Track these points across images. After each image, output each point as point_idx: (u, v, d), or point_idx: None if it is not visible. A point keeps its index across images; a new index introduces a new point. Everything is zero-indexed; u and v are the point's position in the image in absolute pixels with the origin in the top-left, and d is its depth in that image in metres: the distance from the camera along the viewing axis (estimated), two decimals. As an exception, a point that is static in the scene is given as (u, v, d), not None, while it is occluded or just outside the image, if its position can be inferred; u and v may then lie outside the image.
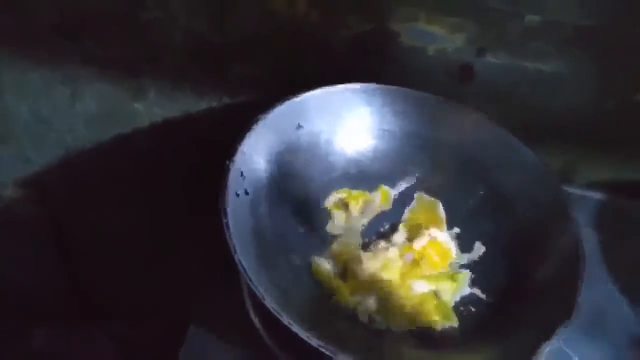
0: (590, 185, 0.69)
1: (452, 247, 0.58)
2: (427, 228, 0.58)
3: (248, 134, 0.55)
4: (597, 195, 0.68)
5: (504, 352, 0.47)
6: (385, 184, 0.62)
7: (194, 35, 0.63)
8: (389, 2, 0.58)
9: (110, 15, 0.62)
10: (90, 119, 0.71)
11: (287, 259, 0.54)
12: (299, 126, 0.59)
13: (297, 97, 0.58)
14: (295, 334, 0.43)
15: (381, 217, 0.60)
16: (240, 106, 0.68)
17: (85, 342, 0.91)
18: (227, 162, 0.52)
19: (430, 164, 0.62)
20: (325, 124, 0.61)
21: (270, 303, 0.44)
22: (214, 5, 0.60)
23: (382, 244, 0.56)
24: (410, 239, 0.57)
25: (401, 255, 0.55)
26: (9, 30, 0.65)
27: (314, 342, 0.42)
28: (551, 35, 0.58)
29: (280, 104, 0.58)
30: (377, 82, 0.61)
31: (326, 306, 0.52)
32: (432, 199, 0.61)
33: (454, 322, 0.52)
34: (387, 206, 0.61)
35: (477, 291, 0.55)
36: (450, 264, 0.57)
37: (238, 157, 0.53)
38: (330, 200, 0.59)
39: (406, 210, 0.61)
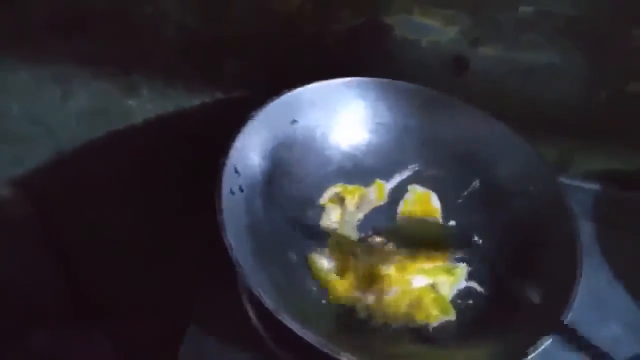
0: (585, 176, 0.69)
1: (449, 239, 0.58)
2: (422, 220, 0.58)
3: (242, 130, 0.54)
4: (592, 185, 0.68)
5: (502, 346, 0.47)
6: (380, 178, 0.62)
7: (185, 31, 0.62)
8: (381, -6, 0.58)
9: (101, 11, 0.62)
10: (83, 116, 0.71)
11: (284, 255, 0.54)
12: (294, 121, 0.59)
13: (291, 92, 0.58)
14: (294, 332, 0.43)
15: (377, 211, 0.60)
16: (233, 102, 0.67)
17: (84, 343, 0.91)
18: (222, 158, 0.52)
19: (425, 157, 0.62)
20: (319, 118, 0.60)
21: (268, 301, 0.44)
22: (206, 0, 0.60)
23: (378, 238, 0.56)
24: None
25: (398, 250, 0.55)
26: (-2, 28, 0.64)
27: (312, 340, 0.42)
28: (544, 26, 0.58)
29: (274, 99, 0.57)
30: (371, 76, 0.61)
31: (324, 303, 0.52)
32: (426, 190, 0.61)
33: (452, 316, 0.53)
34: (383, 200, 0.61)
35: (474, 284, 0.55)
36: (447, 258, 0.57)
37: (232, 154, 0.53)
38: (326, 196, 0.59)
39: (401, 203, 0.61)
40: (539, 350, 0.44)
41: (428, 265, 0.55)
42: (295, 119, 0.59)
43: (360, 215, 0.59)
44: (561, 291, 0.48)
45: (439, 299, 0.53)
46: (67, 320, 0.93)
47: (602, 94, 0.63)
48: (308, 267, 0.54)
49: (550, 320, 0.46)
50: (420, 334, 0.51)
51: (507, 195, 0.59)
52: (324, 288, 0.53)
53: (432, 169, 0.62)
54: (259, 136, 0.56)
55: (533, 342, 0.45)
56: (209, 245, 0.51)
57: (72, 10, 0.62)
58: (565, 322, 0.46)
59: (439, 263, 0.56)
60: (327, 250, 0.56)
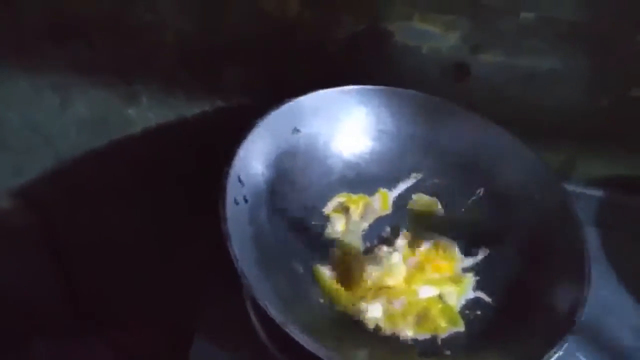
0: (588, 182, 0.69)
1: (455, 249, 0.57)
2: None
3: (245, 139, 0.54)
4: (595, 192, 0.68)
5: (512, 357, 0.47)
6: (384, 186, 0.61)
7: (184, 38, 0.62)
8: (382, 0, 0.58)
9: (99, 19, 0.61)
10: (82, 125, 0.70)
11: (289, 266, 0.54)
12: (296, 130, 0.59)
13: (292, 100, 0.58)
14: (301, 345, 0.42)
15: (381, 220, 0.60)
16: (234, 110, 0.67)
17: (85, 352, 0.91)
18: (225, 168, 0.51)
19: (428, 165, 0.62)
20: (322, 127, 0.60)
21: (275, 313, 0.43)
22: (204, 7, 0.60)
23: (385, 249, 0.56)
24: (413, 242, 0.57)
25: (405, 260, 0.55)
26: (-3, 37, 0.63)
27: (321, 353, 0.42)
28: (546, 32, 0.58)
29: (276, 108, 0.57)
30: (373, 83, 0.61)
31: (331, 314, 0.52)
32: (431, 199, 0.61)
33: (461, 327, 0.52)
34: (387, 210, 0.60)
35: (482, 295, 0.55)
36: (455, 268, 0.57)
37: (236, 163, 0.52)
38: (330, 205, 0.59)
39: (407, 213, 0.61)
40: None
41: (435, 275, 0.55)
42: (298, 127, 0.59)
43: (365, 225, 0.59)
44: (570, 300, 0.48)
45: (447, 310, 0.53)
46: (69, 329, 0.92)
47: (604, 100, 0.63)
48: (313, 278, 0.54)
49: (559, 331, 0.45)
50: (428, 345, 0.51)
51: (511, 203, 0.59)
52: (329, 299, 0.53)
53: (435, 177, 0.62)
54: (262, 145, 0.56)
55: (543, 353, 0.44)
56: (211, 253, 0.51)
57: (69, 18, 0.62)
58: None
59: (446, 273, 0.56)
60: (332, 260, 0.56)
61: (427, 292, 0.54)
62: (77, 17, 0.62)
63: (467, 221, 0.60)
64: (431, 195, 0.62)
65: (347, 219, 0.58)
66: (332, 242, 0.57)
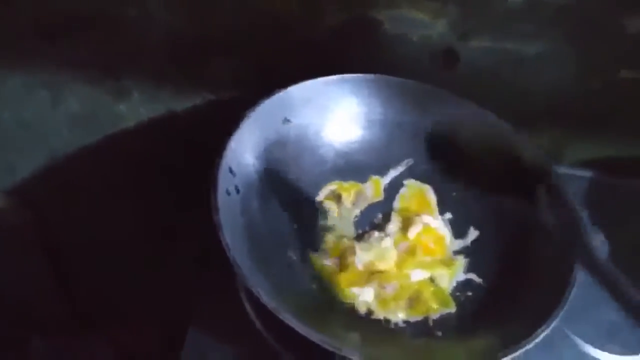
0: (579, 164, 0.69)
1: (446, 232, 0.58)
2: (419, 215, 0.58)
3: (236, 130, 0.54)
4: (585, 173, 0.68)
5: (501, 336, 0.47)
6: (376, 174, 0.62)
7: (172, 32, 0.62)
8: (370, -12, 0.58)
9: (86, 15, 0.61)
10: (74, 122, 0.70)
11: (282, 254, 0.54)
12: (287, 120, 0.59)
13: (282, 91, 0.58)
14: (295, 330, 0.43)
15: (373, 207, 0.60)
16: (225, 103, 0.67)
17: (83, 349, 0.91)
18: (216, 159, 0.52)
19: (419, 151, 0.62)
20: (312, 116, 0.60)
21: (267, 300, 0.44)
22: (191, 0, 0.59)
23: (376, 234, 0.56)
24: (404, 227, 0.57)
25: (396, 245, 0.55)
26: (-16, 35, 0.63)
27: (314, 337, 0.42)
28: (534, 16, 0.58)
29: (266, 99, 0.57)
30: (362, 71, 0.61)
31: (324, 300, 0.52)
32: (422, 184, 0.61)
33: (452, 308, 0.53)
34: (379, 196, 0.61)
35: (473, 276, 0.55)
36: (446, 251, 0.57)
37: (227, 154, 0.52)
38: (322, 194, 0.59)
39: (397, 198, 0.61)
40: (538, 340, 0.45)
41: (426, 258, 0.55)
42: (288, 117, 0.59)
43: (357, 212, 0.59)
44: (560, 280, 0.48)
45: (438, 292, 0.53)
46: (66, 327, 0.92)
47: (594, 82, 0.63)
48: (306, 265, 0.54)
49: (548, 310, 0.46)
50: (420, 327, 0.51)
51: (502, 186, 0.59)
52: (323, 285, 0.53)
53: (426, 163, 0.62)
54: (253, 136, 0.56)
55: (532, 332, 0.45)
56: (206, 246, 0.51)
57: (56, 15, 0.61)
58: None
59: (437, 256, 0.56)
60: (325, 247, 0.56)
61: (418, 275, 0.54)
62: (64, 14, 0.61)
63: (458, 205, 0.60)
64: (422, 180, 0.62)
65: (339, 207, 0.59)
66: (325, 230, 0.57)
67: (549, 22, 0.59)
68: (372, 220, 0.59)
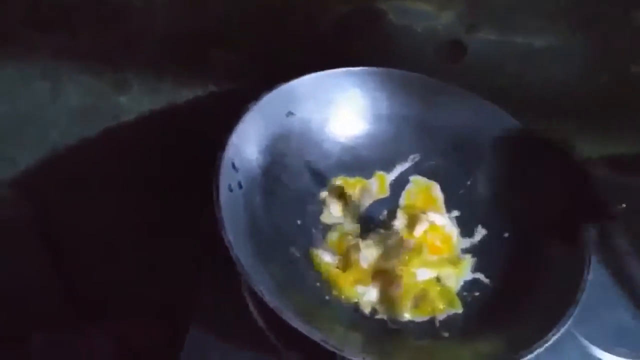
0: (588, 160, 0.68)
1: (453, 230, 0.57)
2: (425, 212, 0.57)
3: (238, 124, 0.53)
4: (594, 170, 0.67)
5: (509, 339, 0.46)
6: (381, 169, 0.61)
7: (173, 23, 0.61)
8: (374, -22, 0.57)
9: (83, 5, 0.60)
10: (74, 113, 0.70)
11: (286, 252, 0.53)
12: (290, 113, 0.58)
13: (285, 84, 0.57)
14: (298, 330, 0.42)
15: (378, 203, 0.59)
16: (226, 95, 0.66)
17: (84, 344, 0.91)
18: (219, 154, 0.51)
19: (425, 146, 0.62)
20: (316, 110, 0.59)
21: (270, 299, 0.43)
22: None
23: (382, 231, 0.56)
24: (410, 224, 0.56)
25: (402, 243, 0.54)
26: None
27: (316, 337, 0.42)
28: (541, 9, 0.58)
29: (269, 92, 0.56)
30: (367, 64, 0.60)
31: (327, 299, 0.51)
32: (429, 181, 0.61)
33: (459, 308, 0.52)
34: (384, 192, 0.60)
35: (480, 276, 0.54)
36: (453, 249, 0.56)
37: (229, 149, 0.52)
38: (327, 189, 0.59)
39: (403, 195, 0.60)
40: (548, 344, 0.44)
41: (433, 257, 0.55)
42: (292, 111, 0.58)
43: (362, 208, 0.58)
44: (569, 281, 0.47)
45: (445, 291, 0.53)
46: (66, 321, 0.92)
47: (603, 77, 0.62)
48: (310, 263, 0.54)
49: (559, 312, 0.45)
50: (426, 328, 0.51)
51: (510, 183, 0.58)
52: (327, 283, 0.52)
53: (432, 159, 0.61)
54: (256, 130, 0.55)
55: (541, 335, 0.44)
56: (208, 242, 0.50)
57: (53, 5, 0.60)
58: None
59: (444, 255, 0.55)
60: (329, 244, 0.55)
61: (424, 274, 0.53)
62: (61, 4, 0.60)
63: (465, 202, 0.59)
64: (429, 177, 0.61)
65: (344, 203, 0.58)
66: (329, 226, 0.57)
67: (556, 15, 0.58)
68: (378, 217, 0.58)
